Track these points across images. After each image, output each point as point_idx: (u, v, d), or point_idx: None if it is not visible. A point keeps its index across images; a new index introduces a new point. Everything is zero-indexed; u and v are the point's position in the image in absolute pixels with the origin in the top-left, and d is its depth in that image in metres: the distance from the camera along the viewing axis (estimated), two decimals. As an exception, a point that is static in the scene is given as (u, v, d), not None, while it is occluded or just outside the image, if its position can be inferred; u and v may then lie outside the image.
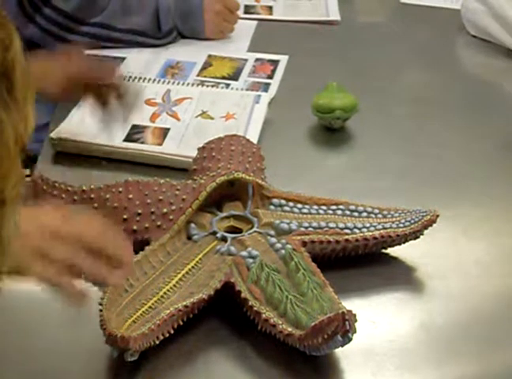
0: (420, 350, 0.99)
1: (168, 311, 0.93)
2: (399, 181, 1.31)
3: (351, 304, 1.02)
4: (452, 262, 1.13)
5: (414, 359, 0.98)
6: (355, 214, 1.09)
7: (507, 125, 1.49)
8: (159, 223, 1.06)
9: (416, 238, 1.09)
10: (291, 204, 1.10)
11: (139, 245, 1.03)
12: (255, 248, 1.02)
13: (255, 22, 1.88)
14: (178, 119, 1.41)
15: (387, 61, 1.75)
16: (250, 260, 1.00)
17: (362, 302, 1.04)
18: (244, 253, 1.01)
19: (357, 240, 1.05)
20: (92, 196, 1.09)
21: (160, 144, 1.33)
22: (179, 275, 0.99)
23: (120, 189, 1.09)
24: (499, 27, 1.78)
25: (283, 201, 1.10)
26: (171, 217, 1.06)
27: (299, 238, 1.04)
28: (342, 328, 0.88)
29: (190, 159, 1.27)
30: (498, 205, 1.27)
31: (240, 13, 1.83)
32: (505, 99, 1.60)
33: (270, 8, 1.96)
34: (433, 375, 0.97)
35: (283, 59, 1.68)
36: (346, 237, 1.05)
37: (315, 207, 1.10)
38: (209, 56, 1.69)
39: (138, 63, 1.64)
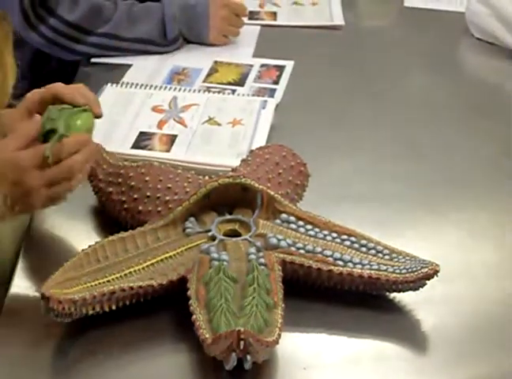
0: (430, 354, 0.99)
1: (112, 287, 0.96)
2: (405, 185, 1.31)
3: (357, 308, 1.03)
4: (460, 265, 1.13)
5: (424, 363, 0.98)
6: (363, 249, 1.06)
7: (513, 127, 1.50)
8: (159, 208, 1.11)
9: (414, 289, 1.02)
10: (300, 223, 1.09)
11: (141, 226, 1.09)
12: (231, 253, 1.03)
13: (259, 27, 1.89)
14: (185, 126, 1.41)
15: (392, 64, 1.75)
16: (215, 263, 1.01)
17: (370, 305, 1.04)
18: (215, 255, 1.02)
19: (341, 273, 1.02)
20: (122, 171, 1.16)
21: (168, 151, 1.34)
22: (153, 260, 1.02)
23: (143, 171, 1.15)
24: (504, 29, 1.78)
25: (292, 218, 1.09)
26: (170, 206, 1.10)
27: (281, 255, 1.03)
28: (237, 346, 0.87)
29: (198, 165, 1.27)
30: (505, 208, 1.28)
31: (245, 19, 1.83)
32: (510, 101, 1.60)
33: (274, 14, 1.97)
34: (443, 378, 0.97)
35: (288, 64, 1.68)
36: (330, 267, 1.02)
37: (325, 232, 1.08)
38: (215, 62, 1.69)
39: (145, 70, 1.65)
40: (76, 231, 1.16)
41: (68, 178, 1.03)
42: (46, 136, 1.04)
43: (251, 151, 1.24)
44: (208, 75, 1.64)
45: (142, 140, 1.36)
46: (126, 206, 1.13)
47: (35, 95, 1.13)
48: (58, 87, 1.12)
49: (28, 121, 1.07)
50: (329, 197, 1.25)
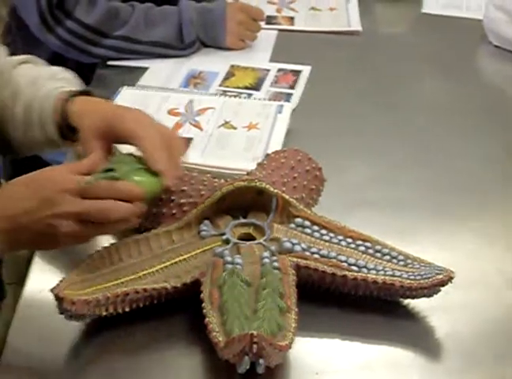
0: (443, 361, 0.99)
1: (125, 289, 0.96)
2: (420, 191, 1.31)
3: (371, 314, 1.03)
4: (475, 272, 1.13)
5: (437, 370, 0.98)
6: (378, 254, 1.05)
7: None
8: (174, 211, 1.10)
9: (429, 295, 1.02)
10: (315, 227, 1.09)
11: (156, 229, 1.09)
12: (245, 257, 1.03)
13: (276, 32, 1.89)
14: (201, 129, 1.41)
15: (409, 71, 1.75)
16: (229, 266, 1.01)
17: (384, 311, 1.04)
18: (229, 259, 1.02)
19: (355, 278, 1.01)
20: None
21: (183, 154, 1.34)
22: (167, 263, 1.02)
23: None
24: (522, 36, 1.78)
25: (307, 223, 1.09)
26: (185, 208, 1.10)
27: (294, 259, 1.03)
28: (250, 349, 0.87)
29: (213, 169, 1.27)
30: (522, 215, 1.27)
31: (262, 23, 1.83)
32: (527, 109, 1.60)
33: (292, 18, 1.97)
34: (457, 386, 0.97)
35: (305, 69, 1.68)
36: (345, 273, 1.02)
37: (340, 237, 1.08)
38: (232, 66, 1.70)
39: (161, 73, 1.65)
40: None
41: (100, 221, 0.96)
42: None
43: (267, 155, 1.24)
44: (225, 79, 1.65)
45: (157, 142, 1.36)
46: (140, 208, 1.13)
47: (112, 127, 1.07)
48: (139, 135, 1.04)
49: (95, 155, 1.03)
50: (344, 202, 1.25)
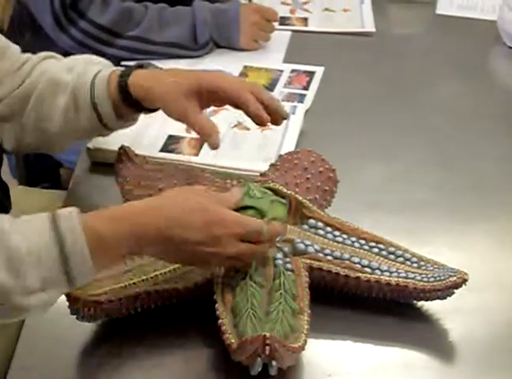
0: (457, 364, 0.98)
1: (137, 290, 0.97)
2: (434, 193, 1.31)
3: (384, 316, 1.03)
4: (489, 274, 1.12)
5: (451, 373, 0.97)
6: (391, 256, 1.05)
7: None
8: None
9: (442, 298, 1.02)
10: (328, 229, 1.08)
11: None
12: (258, 258, 1.02)
13: (289, 33, 1.89)
14: (214, 130, 1.41)
15: (423, 72, 1.74)
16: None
17: (397, 313, 1.03)
18: None
19: (368, 280, 1.01)
20: (150, 174, 1.16)
21: (197, 155, 1.34)
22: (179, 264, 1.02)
23: (172, 173, 1.15)
24: (537, 38, 1.77)
25: (320, 224, 1.09)
26: None
27: (308, 261, 1.03)
28: (262, 351, 0.86)
29: (226, 170, 1.27)
30: (537, 217, 1.27)
31: (275, 24, 1.83)
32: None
33: (305, 19, 1.97)
34: (471, 388, 0.97)
35: (319, 70, 1.68)
36: (358, 274, 1.02)
37: (353, 238, 1.07)
38: (245, 67, 1.69)
39: (174, 74, 1.65)
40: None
41: (247, 260, 0.99)
42: (238, 209, 1.00)
43: (280, 156, 1.23)
44: (238, 80, 1.64)
45: (171, 143, 1.36)
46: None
47: (199, 85, 1.13)
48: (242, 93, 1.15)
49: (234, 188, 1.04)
50: (358, 204, 1.25)
